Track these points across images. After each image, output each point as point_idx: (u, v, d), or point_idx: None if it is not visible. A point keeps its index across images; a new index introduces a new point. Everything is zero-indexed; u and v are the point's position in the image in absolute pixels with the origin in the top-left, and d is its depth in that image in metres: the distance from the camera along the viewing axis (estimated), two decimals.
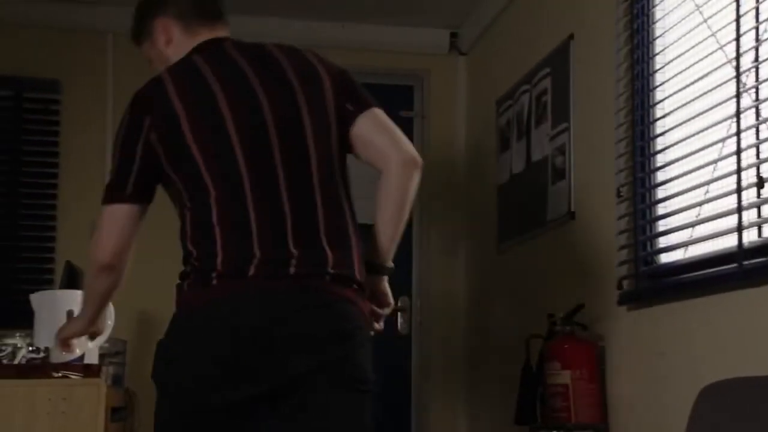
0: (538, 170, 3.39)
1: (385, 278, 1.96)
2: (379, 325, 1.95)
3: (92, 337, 2.20)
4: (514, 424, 3.04)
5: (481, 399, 3.90)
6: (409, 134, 4.19)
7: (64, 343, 2.13)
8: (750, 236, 2.18)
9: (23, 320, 2.78)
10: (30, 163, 4.02)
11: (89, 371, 2.55)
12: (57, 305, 2.58)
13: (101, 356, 2.85)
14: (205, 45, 1.94)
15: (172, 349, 1.84)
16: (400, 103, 4.27)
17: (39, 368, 2.52)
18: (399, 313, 4.22)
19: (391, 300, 1.97)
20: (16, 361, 2.54)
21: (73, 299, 2.62)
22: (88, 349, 2.60)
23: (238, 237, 1.79)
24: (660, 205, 2.60)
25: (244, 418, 1.78)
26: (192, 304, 1.83)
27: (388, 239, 1.93)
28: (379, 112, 1.93)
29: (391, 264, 1.95)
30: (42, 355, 2.55)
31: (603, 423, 2.75)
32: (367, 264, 1.90)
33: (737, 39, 2.23)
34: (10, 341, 2.62)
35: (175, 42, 1.99)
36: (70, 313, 2.60)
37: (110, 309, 2.73)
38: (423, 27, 4.25)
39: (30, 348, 2.55)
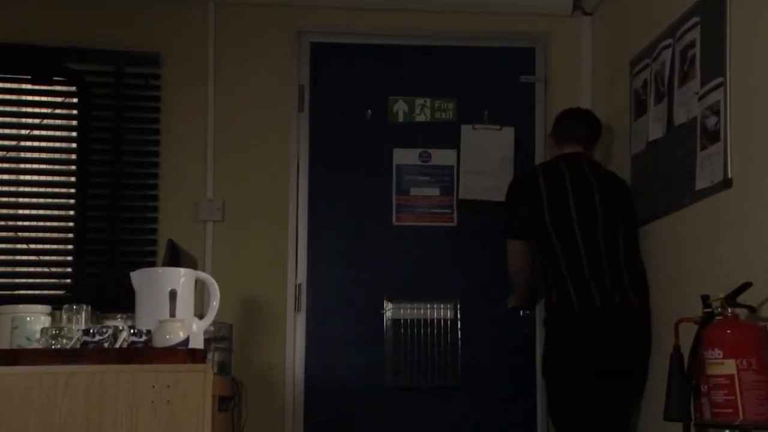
0: (683, 134, 3.01)
1: None
2: None
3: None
4: (662, 420, 2.68)
5: None
6: (530, 101, 3.97)
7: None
8: None
9: (126, 303, 2.58)
10: (131, 141, 3.86)
11: (194, 356, 2.32)
12: (158, 284, 2.37)
13: (206, 341, 2.62)
14: (567, 156, 3.37)
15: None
16: (520, 67, 3.97)
17: (141, 353, 2.31)
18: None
19: None
20: (117, 345, 2.33)
21: (176, 277, 2.40)
22: (193, 332, 2.37)
23: (580, 283, 3.19)
24: None
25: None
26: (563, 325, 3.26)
27: None
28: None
29: None
30: (144, 338, 2.33)
31: None
32: None
33: None
34: (111, 323, 2.42)
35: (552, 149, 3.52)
36: (172, 293, 2.39)
37: (215, 287, 2.50)
38: None
39: (132, 331, 2.34)
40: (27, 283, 3.82)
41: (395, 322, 3.83)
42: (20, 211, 3.85)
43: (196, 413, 2.26)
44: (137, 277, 2.40)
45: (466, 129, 3.91)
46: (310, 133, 3.93)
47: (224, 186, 3.86)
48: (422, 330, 3.82)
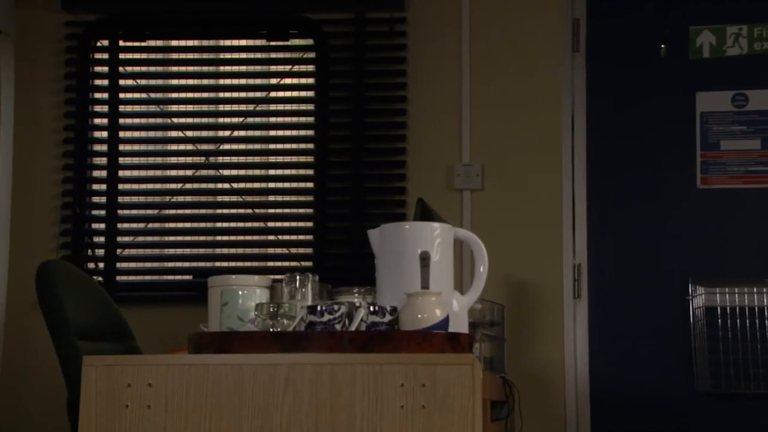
0: None
1: None
2: None
3: None
4: None
5: None
6: None
7: None
8: None
9: (370, 283, 1.98)
10: (374, 99, 3.35)
11: (457, 344, 1.66)
12: (405, 244, 1.74)
13: (471, 325, 1.96)
14: None
15: None
16: None
17: (384, 338, 1.69)
18: None
19: None
20: (353, 328, 1.73)
21: (428, 235, 1.75)
22: (454, 311, 1.72)
23: None
24: None
25: None
26: None
27: None
28: None
29: None
30: (388, 318, 1.71)
31: None
32: None
33: None
34: (344, 299, 1.83)
35: None
36: (424, 257, 1.74)
37: (481, 249, 1.84)
38: None
39: (372, 308, 1.73)
40: (267, 267, 3.38)
41: (708, 310, 3.02)
42: (266, 185, 3.41)
43: (461, 422, 1.61)
44: (377, 235, 1.79)
45: None
46: (587, 78, 3.30)
47: (483, 148, 3.30)
48: (746, 321, 2.99)
